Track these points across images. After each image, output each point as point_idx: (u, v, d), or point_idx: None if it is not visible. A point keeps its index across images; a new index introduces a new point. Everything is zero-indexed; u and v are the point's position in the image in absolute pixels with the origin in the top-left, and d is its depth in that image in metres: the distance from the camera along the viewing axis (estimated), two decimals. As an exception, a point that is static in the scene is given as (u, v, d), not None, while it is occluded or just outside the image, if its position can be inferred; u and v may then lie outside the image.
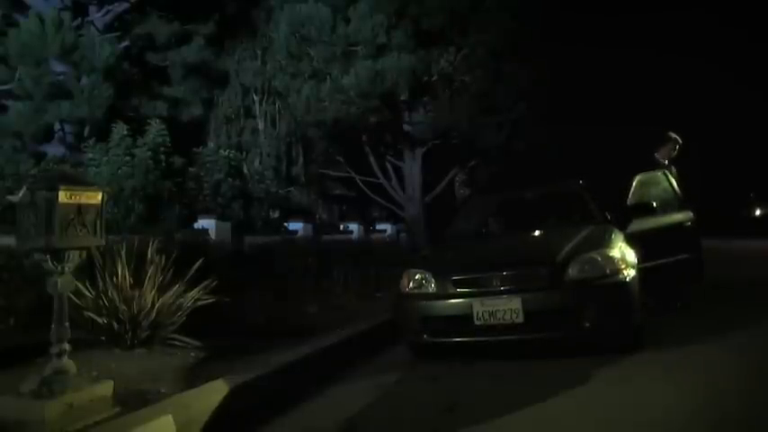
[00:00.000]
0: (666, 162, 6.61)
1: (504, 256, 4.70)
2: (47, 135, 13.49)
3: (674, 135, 6.69)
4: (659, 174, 6.19)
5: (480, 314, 4.19)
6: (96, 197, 2.89)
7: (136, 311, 4.07)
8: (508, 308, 4.14)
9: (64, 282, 2.80)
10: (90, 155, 9.38)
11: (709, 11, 23.02)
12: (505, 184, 8.30)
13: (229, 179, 10.85)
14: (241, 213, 10.89)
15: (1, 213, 7.34)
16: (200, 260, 4.58)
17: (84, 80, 13.06)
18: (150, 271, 4.25)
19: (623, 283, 4.26)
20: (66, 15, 13.12)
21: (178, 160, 10.27)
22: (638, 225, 5.40)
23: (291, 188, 14.69)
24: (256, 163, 14.14)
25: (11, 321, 4.42)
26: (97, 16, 14.67)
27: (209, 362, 3.90)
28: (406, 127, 15.42)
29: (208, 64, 15.39)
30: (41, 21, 12.39)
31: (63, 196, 2.71)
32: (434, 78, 14.29)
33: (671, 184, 6.07)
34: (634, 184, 6.02)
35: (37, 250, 2.80)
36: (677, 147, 6.68)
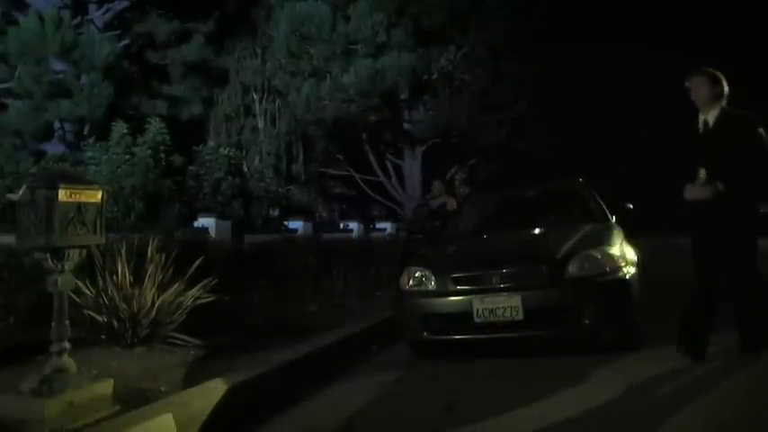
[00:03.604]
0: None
1: (504, 253, 4.70)
2: (46, 133, 13.47)
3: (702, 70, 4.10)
4: None
5: (480, 312, 4.19)
6: (96, 196, 2.89)
7: (136, 310, 4.07)
8: (508, 305, 4.14)
9: (64, 280, 2.80)
10: (90, 153, 9.38)
11: (708, 11, 23.04)
12: (505, 183, 8.31)
13: (229, 178, 10.85)
14: (241, 212, 10.88)
15: (1, 212, 7.34)
16: (200, 259, 4.58)
17: (84, 79, 13.05)
18: (150, 269, 4.25)
19: (623, 281, 4.26)
20: (66, 14, 13.11)
21: (178, 159, 10.27)
22: None
23: (291, 187, 14.70)
24: (256, 161, 14.15)
25: (11, 320, 4.42)
26: (97, 15, 14.65)
27: (209, 360, 3.90)
28: (406, 125, 15.44)
29: (207, 62, 15.40)
30: (41, 19, 12.38)
31: (63, 195, 2.71)
32: (434, 77, 14.32)
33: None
34: None
35: (37, 249, 2.80)
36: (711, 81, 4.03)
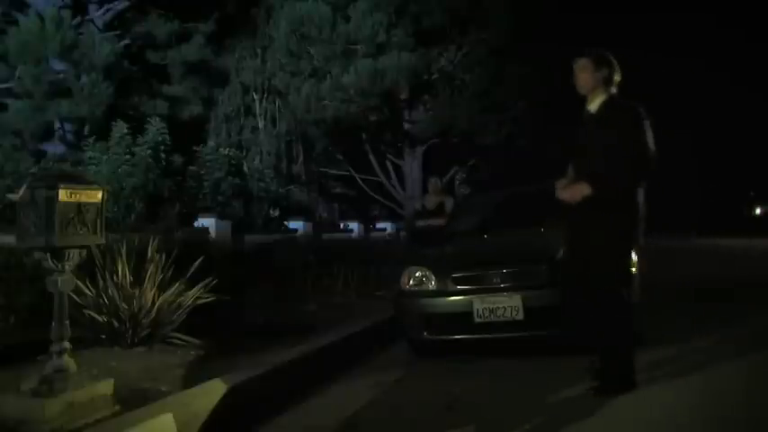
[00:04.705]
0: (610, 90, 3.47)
1: (505, 253, 4.71)
2: (47, 133, 13.47)
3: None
4: None
5: (480, 311, 4.20)
6: (96, 195, 2.89)
7: (136, 310, 4.07)
8: (508, 305, 4.15)
9: (64, 280, 2.80)
10: (90, 153, 9.36)
11: (708, 12, 23.13)
12: (506, 183, 8.30)
13: (229, 178, 10.85)
14: (241, 212, 10.88)
15: (1, 212, 7.34)
16: (201, 259, 4.58)
17: (84, 78, 13.04)
18: (150, 269, 4.25)
19: (623, 281, 4.25)
20: (66, 14, 13.10)
21: (178, 159, 10.27)
22: None
23: (291, 187, 14.69)
24: (256, 161, 14.14)
25: (11, 319, 4.42)
26: (97, 15, 14.65)
27: (210, 360, 3.90)
28: (406, 125, 15.44)
29: (208, 62, 15.41)
30: (41, 19, 12.38)
31: (63, 195, 2.71)
32: (434, 77, 14.33)
33: None
34: None
35: (37, 249, 2.79)
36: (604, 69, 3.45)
